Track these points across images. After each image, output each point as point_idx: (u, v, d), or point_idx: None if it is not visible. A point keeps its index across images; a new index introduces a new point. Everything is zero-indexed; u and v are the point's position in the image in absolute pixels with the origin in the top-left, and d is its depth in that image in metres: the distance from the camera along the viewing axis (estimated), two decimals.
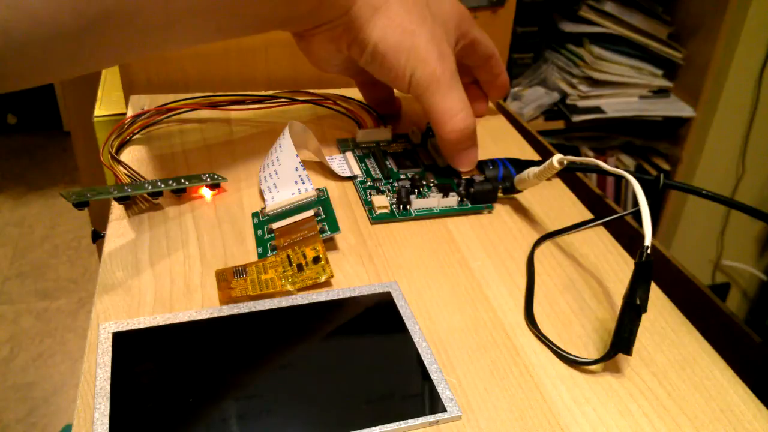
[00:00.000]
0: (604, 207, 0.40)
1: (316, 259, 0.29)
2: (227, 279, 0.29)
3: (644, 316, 0.26)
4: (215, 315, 0.27)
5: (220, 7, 0.32)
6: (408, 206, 0.35)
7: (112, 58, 0.33)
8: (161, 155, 0.39)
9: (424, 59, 0.36)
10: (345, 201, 0.36)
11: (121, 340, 0.26)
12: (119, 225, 0.33)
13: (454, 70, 0.37)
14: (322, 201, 0.33)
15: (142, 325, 0.26)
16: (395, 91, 0.47)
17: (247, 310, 0.28)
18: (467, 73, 0.45)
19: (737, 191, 1.35)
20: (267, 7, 0.34)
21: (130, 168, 0.37)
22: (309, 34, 0.37)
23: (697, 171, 1.28)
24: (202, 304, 0.28)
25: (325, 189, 0.34)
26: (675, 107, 1.18)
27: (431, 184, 0.37)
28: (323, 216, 0.32)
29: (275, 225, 0.32)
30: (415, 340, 0.27)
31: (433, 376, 0.25)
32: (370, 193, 0.36)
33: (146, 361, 0.25)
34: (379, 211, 0.35)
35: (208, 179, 0.35)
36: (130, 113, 0.43)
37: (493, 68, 0.44)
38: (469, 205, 0.36)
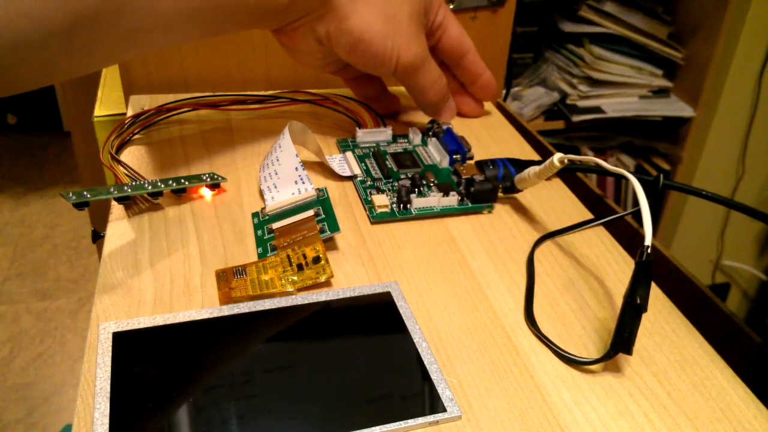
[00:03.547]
0: (604, 207, 0.40)
1: (316, 259, 0.29)
2: (227, 279, 0.29)
3: (644, 316, 0.26)
4: (215, 315, 0.27)
5: (204, 7, 0.32)
6: (408, 205, 0.35)
7: (106, 57, 0.33)
8: (161, 155, 0.39)
9: (407, 43, 0.37)
10: (345, 201, 0.36)
11: (121, 340, 0.26)
12: (119, 225, 0.33)
13: (426, 42, 0.39)
14: (322, 201, 0.33)
15: (142, 325, 0.26)
16: (392, 89, 0.47)
17: (247, 310, 0.28)
18: (453, 79, 0.45)
19: (737, 191, 1.35)
20: (248, 2, 0.34)
21: (130, 168, 0.37)
22: (290, 28, 0.37)
23: (697, 171, 1.28)
24: (202, 304, 0.28)
25: (325, 189, 0.34)
26: (675, 107, 1.18)
27: (431, 184, 0.37)
28: (323, 216, 0.32)
29: (275, 225, 0.32)
30: (415, 340, 0.27)
31: (433, 376, 0.25)
32: (370, 192, 0.36)
33: (146, 361, 0.25)
34: (379, 210, 0.35)
35: (208, 179, 0.35)
36: (130, 113, 0.43)
37: (473, 66, 0.44)
38: (470, 205, 0.36)
